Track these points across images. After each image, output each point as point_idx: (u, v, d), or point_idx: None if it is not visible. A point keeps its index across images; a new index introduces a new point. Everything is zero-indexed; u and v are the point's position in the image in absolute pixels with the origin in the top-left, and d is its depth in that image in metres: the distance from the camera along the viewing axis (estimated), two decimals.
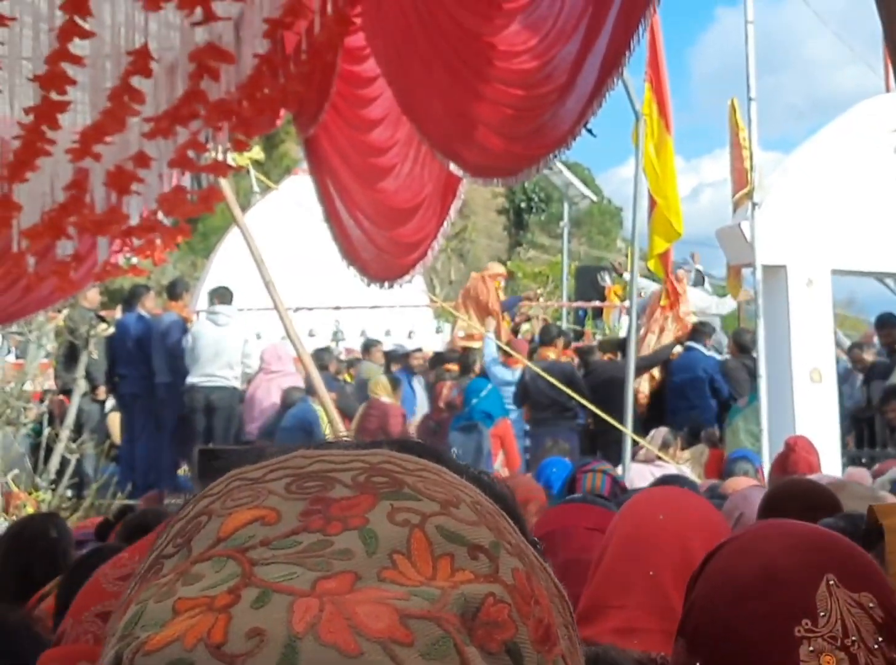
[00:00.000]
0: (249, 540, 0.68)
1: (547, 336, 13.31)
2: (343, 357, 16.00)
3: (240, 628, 0.63)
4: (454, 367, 13.45)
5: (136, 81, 5.07)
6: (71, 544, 4.42)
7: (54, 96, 4.86)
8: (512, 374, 12.85)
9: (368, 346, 15.42)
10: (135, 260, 8.12)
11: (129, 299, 13.12)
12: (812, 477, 5.66)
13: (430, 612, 0.65)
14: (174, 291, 13.10)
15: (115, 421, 13.52)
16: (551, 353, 12.80)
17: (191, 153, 5.89)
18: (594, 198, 31.36)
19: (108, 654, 0.67)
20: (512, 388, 12.53)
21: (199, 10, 4.51)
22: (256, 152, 10.66)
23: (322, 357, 12.92)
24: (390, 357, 14.76)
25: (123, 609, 0.70)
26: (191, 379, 11.95)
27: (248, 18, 5.39)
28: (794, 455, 7.36)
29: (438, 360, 14.11)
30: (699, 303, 14.78)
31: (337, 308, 16.72)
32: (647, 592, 2.25)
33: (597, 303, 19.95)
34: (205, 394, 11.93)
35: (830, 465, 9.40)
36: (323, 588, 0.65)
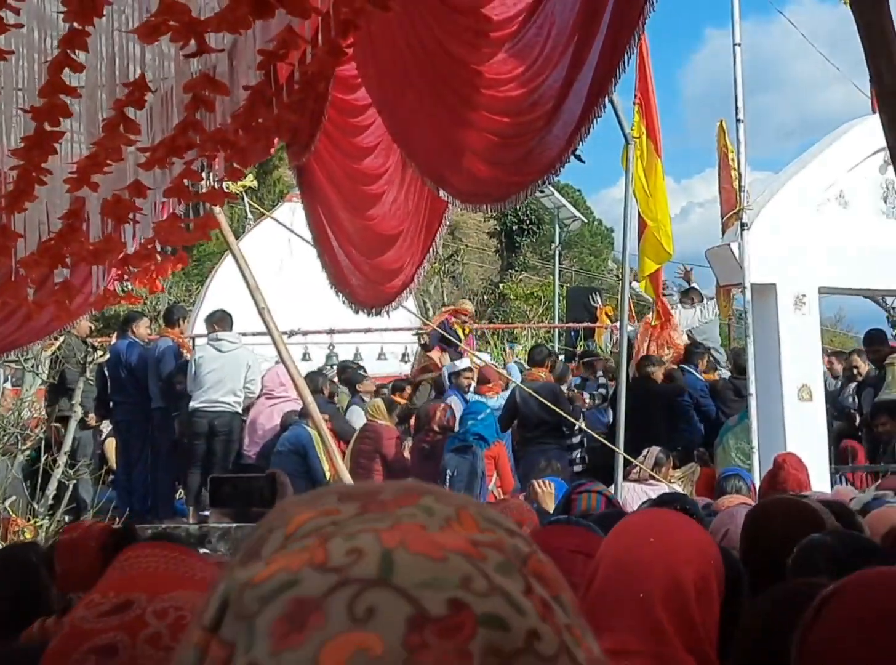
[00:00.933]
0: (318, 526, 0.78)
1: (538, 357, 13.36)
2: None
3: (338, 551, 0.74)
4: (401, 398, 13.56)
5: (130, 112, 5.13)
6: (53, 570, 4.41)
7: (48, 127, 4.93)
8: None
9: (345, 369, 15.45)
10: (129, 287, 8.17)
11: (123, 325, 13.18)
12: (802, 494, 5.74)
13: (495, 542, 0.77)
14: (170, 318, 13.13)
15: (111, 447, 13.57)
16: (541, 374, 12.86)
17: (186, 182, 5.96)
18: (584, 219, 31.51)
19: (212, 605, 0.76)
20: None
21: (192, 43, 4.57)
22: (249, 180, 10.72)
23: (316, 380, 12.95)
24: (348, 381, 14.69)
25: (205, 604, 0.78)
26: (194, 404, 11.96)
27: (241, 50, 5.47)
28: (783, 472, 7.42)
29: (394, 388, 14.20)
30: (685, 321, 14.80)
31: (331, 332, 16.84)
32: (636, 615, 2.25)
33: (588, 324, 20.04)
34: (208, 419, 11.97)
35: (819, 482, 9.46)
36: (399, 529, 0.76)
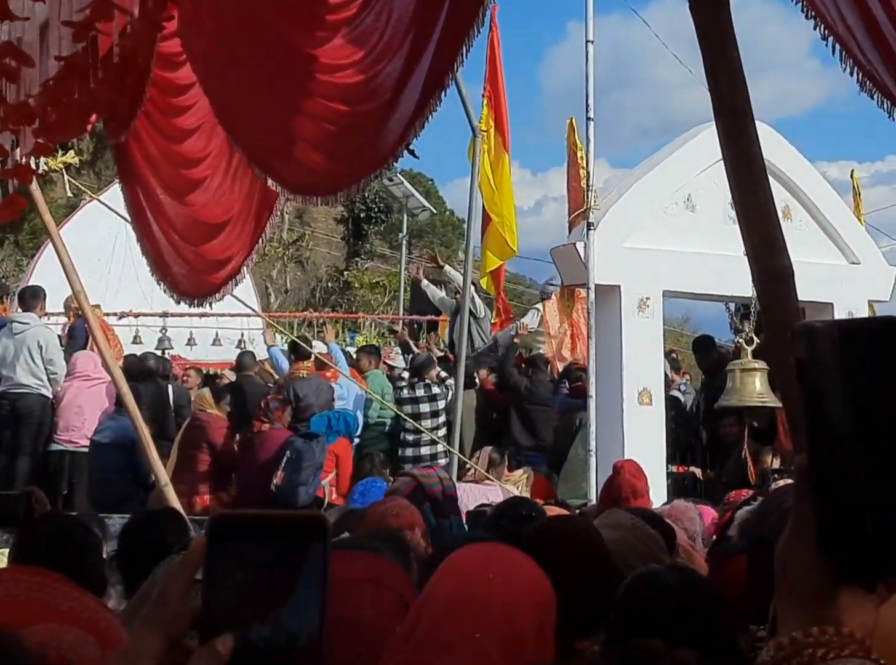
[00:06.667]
0: None
1: (297, 351, 12.71)
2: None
3: None
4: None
5: None
6: None
7: None
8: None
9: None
10: None
11: None
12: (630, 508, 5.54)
13: None
14: None
15: None
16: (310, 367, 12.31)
17: None
18: (434, 210, 31.36)
19: None
20: None
21: None
22: (70, 156, 10.21)
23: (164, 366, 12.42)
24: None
25: None
26: None
27: (53, 20, 5.08)
28: (619, 478, 7.33)
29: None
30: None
31: (164, 315, 16.17)
32: (471, 657, 2.13)
33: (432, 316, 19.79)
34: (10, 401, 11.47)
35: (656, 488, 9.39)
36: None
